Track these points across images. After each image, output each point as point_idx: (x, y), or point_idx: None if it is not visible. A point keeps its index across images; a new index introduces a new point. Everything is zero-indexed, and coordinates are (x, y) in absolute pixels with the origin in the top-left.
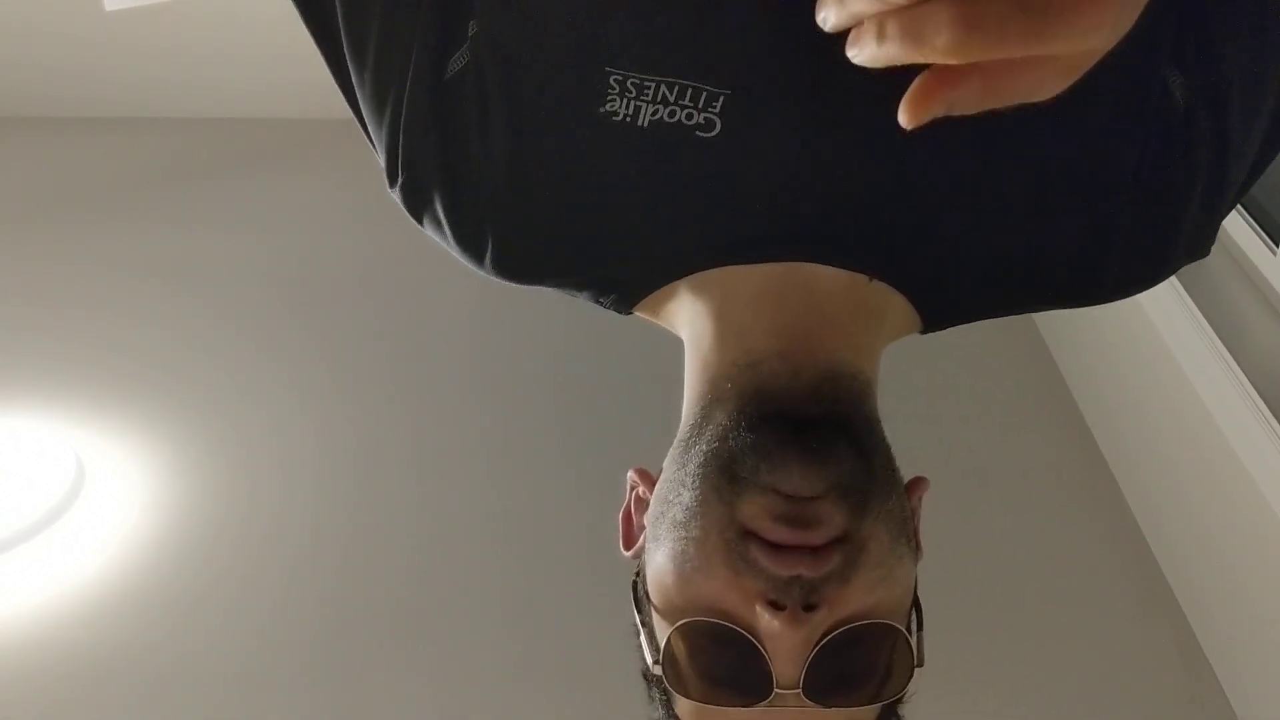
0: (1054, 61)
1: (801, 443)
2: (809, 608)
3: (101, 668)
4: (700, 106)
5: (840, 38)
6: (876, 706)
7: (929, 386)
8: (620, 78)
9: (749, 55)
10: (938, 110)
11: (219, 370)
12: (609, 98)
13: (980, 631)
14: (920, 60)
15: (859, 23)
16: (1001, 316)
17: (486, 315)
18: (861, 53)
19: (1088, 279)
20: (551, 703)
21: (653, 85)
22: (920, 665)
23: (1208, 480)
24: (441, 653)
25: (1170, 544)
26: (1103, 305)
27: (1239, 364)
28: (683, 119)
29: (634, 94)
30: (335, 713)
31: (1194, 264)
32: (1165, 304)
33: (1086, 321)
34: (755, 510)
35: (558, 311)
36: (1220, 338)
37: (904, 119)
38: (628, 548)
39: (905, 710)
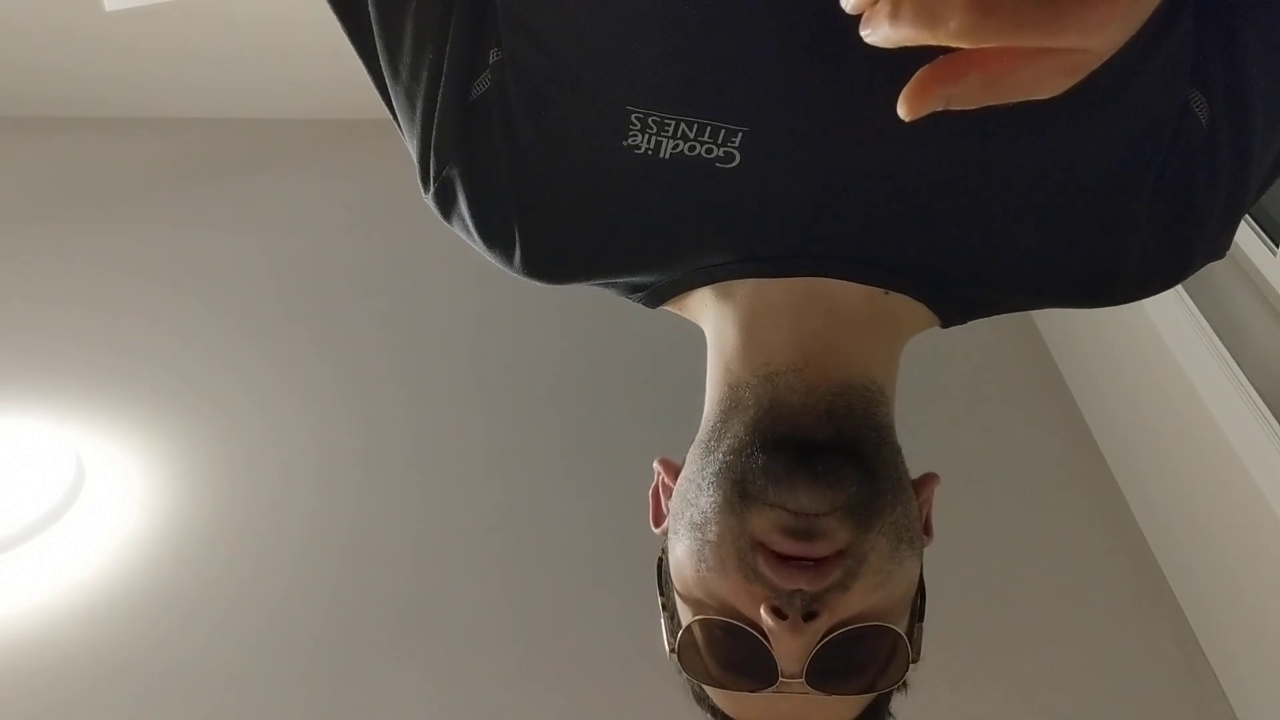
0: (1056, 59)
1: (809, 469)
2: (809, 615)
3: (101, 668)
4: (720, 142)
5: (858, 63)
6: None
7: (929, 387)
8: (641, 115)
9: (767, 91)
10: (936, 104)
11: (219, 370)
12: (630, 133)
13: (980, 631)
14: (931, 42)
15: (875, 2)
16: (1020, 311)
17: (487, 313)
18: (875, 32)
19: (1105, 282)
20: (558, 702)
21: (673, 123)
22: (916, 660)
23: (1208, 480)
24: (445, 654)
25: (1170, 544)
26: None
27: (1239, 364)
28: (702, 153)
29: (655, 130)
30: (336, 713)
31: None
32: (1165, 304)
33: (1086, 322)
34: (765, 525)
35: (563, 309)
36: (1220, 338)
37: (902, 111)
38: (656, 524)
39: (904, 704)
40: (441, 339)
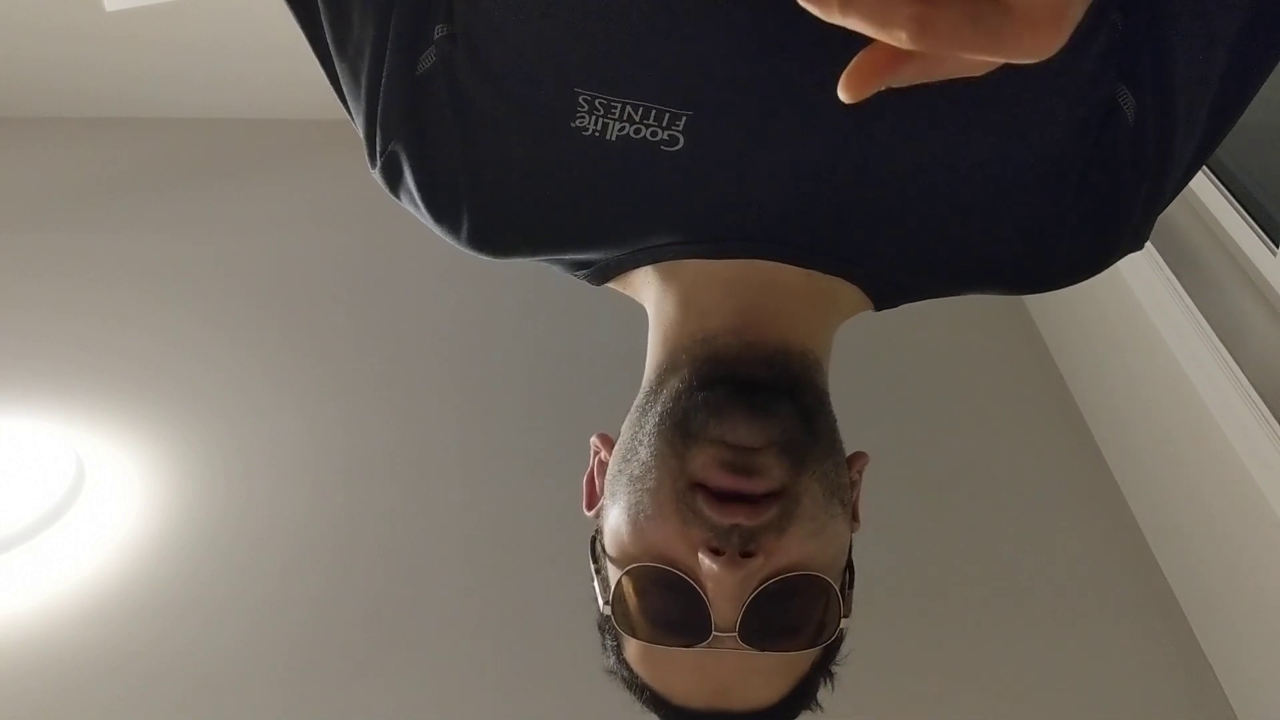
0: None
1: (748, 400)
2: (746, 554)
3: (101, 667)
4: (664, 125)
5: (802, 54)
6: (809, 656)
7: (928, 387)
8: (589, 98)
9: (711, 77)
10: (876, 87)
11: (219, 371)
12: (579, 114)
13: (980, 631)
14: (875, 38)
15: None
16: (950, 296)
17: (491, 314)
18: (826, 12)
19: (1032, 271)
20: (541, 702)
21: (619, 105)
22: (847, 615)
23: (1207, 480)
24: (439, 652)
25: (1170, 544)
26: (1102, 306)
27: (1239, 364)
28: (648, 136)
29: (602, 112)
30: (332, 712)
31: (1194, 264)
32: (1165, 304)
33: (1086, 321)
34: (704, 460)
35: (541, 309)
36: (1220, 338)
37: (844, 95)
38: (590, 508)
39: (905, 703)
40: (442, 339)
